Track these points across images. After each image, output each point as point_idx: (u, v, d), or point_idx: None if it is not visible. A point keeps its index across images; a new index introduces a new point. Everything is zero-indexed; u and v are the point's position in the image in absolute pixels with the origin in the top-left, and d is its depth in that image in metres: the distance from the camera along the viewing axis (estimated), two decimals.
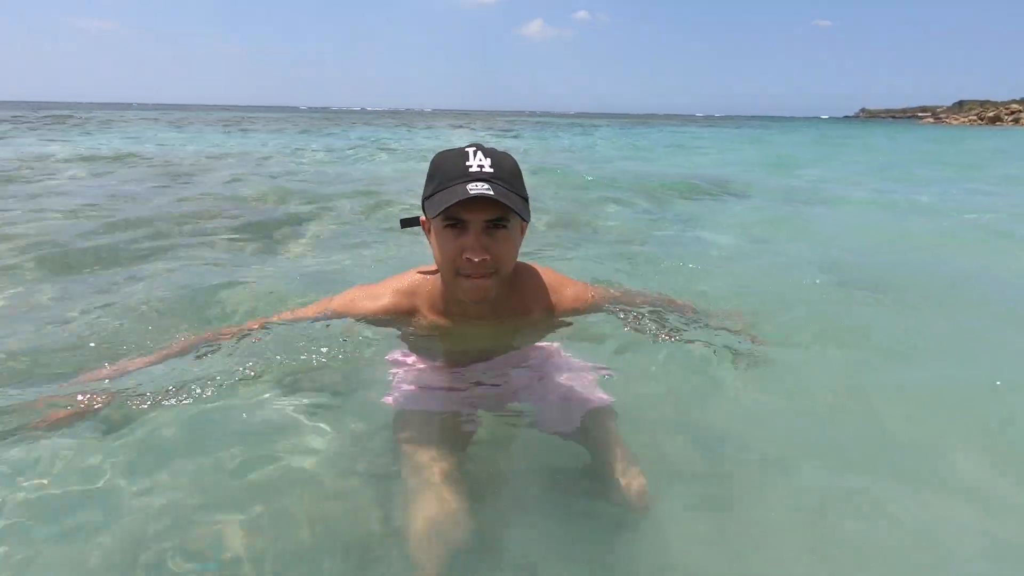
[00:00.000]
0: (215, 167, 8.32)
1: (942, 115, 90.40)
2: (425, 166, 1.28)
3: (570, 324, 1.54)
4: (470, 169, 1.18)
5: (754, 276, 3.03)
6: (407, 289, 1.44)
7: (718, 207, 5.82)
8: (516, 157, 1.29)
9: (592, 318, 1.58)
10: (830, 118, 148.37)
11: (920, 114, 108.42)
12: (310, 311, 1.54)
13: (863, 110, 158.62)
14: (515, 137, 19.44)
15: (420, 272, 1.45)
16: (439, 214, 1.17)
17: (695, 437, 1.52)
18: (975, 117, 73.72)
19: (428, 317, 1.43)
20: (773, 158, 12.93)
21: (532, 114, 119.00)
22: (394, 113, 78.27)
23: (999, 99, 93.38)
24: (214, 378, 1.44)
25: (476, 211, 1.17)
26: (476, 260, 1.18)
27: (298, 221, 4.47)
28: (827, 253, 3.57)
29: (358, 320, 1.48)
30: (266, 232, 4.06)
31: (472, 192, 1.13)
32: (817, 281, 2.76)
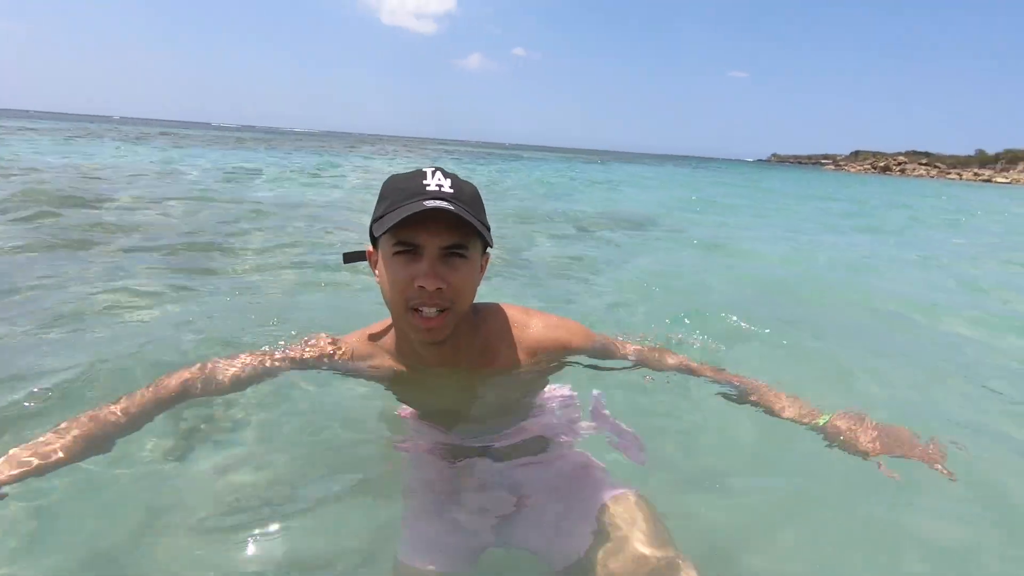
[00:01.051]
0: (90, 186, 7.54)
1: (842, 163, 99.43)
2: (364, 195, 1.03)
3: (558, 366, 1.30)
4: (428, 188, 1.03)
5: (662, 307, 3.06)
6: (368, 333, 1.26)
7: (636, 242, 5.90)
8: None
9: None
10: (742, 161, 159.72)
11: (823, 161, 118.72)
12: (256, 359, 1.23)
13: (774, 155, 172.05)
14: (457, 160, 19.55)
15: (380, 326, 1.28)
16: (388, 231, 1.01)
17: None
18: (869, 166, 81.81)
19: (387, 363, 1.24)
20: (687, 199, 13.50)
21: (474, 143, 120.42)
22: (331, 136, 76.77)
23: (888, 151, 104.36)
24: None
25: (432, 234, 1.02)
26: (430, 289, 1.02)
27: (211, 250, 4.03)
28: (722, 287, 3.70)
29: (313, 367, 1.27)
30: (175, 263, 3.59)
31: (428, 205, 0.97)
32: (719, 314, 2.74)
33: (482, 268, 1.14)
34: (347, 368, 1.26)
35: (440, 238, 1.02)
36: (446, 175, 1.08)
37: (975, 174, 69.85)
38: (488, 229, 1.10)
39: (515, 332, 1.23)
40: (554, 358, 1.28)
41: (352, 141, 47.26)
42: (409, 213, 0.97)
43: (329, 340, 1.26)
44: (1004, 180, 61.97)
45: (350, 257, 1.24)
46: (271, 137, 43.05)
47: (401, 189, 1.04)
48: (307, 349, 1.25)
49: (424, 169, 1.08)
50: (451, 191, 1.04)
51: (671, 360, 1.38)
